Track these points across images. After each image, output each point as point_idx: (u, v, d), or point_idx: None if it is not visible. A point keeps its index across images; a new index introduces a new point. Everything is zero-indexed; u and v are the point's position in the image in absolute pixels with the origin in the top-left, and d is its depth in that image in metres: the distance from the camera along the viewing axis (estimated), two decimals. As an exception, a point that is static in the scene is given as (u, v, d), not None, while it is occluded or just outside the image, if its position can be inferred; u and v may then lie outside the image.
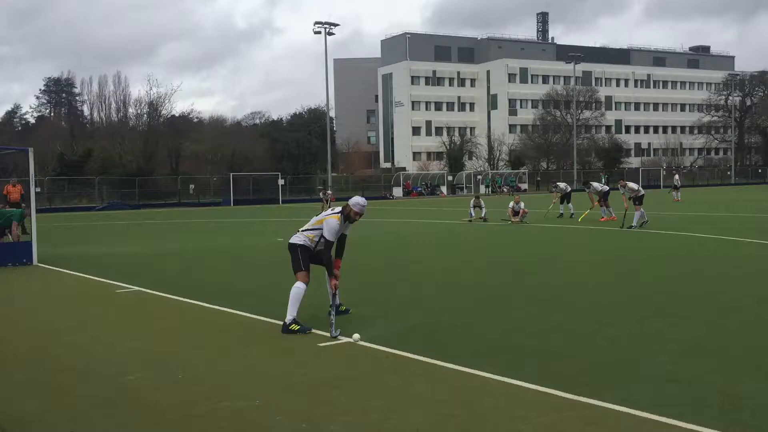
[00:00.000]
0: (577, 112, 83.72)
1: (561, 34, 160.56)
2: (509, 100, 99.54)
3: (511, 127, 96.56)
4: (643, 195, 19.71)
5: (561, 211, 25.32)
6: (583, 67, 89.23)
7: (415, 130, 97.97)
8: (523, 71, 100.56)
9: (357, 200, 7.47)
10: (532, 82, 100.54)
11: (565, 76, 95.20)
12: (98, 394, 5.25)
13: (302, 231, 7.65)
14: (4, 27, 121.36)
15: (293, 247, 7.60)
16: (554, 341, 6.59)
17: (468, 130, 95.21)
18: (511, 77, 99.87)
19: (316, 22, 55.57)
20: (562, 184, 26.55)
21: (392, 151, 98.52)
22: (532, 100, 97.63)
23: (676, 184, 40.31)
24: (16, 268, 13.61)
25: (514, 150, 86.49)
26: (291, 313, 7.22)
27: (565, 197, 25.40)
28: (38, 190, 33.59)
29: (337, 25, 56.40)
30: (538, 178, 73.14)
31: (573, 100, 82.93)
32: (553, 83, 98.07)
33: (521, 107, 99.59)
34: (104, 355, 6.50)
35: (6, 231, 15.33)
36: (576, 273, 11.45)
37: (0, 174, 36.92)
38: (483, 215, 24.26)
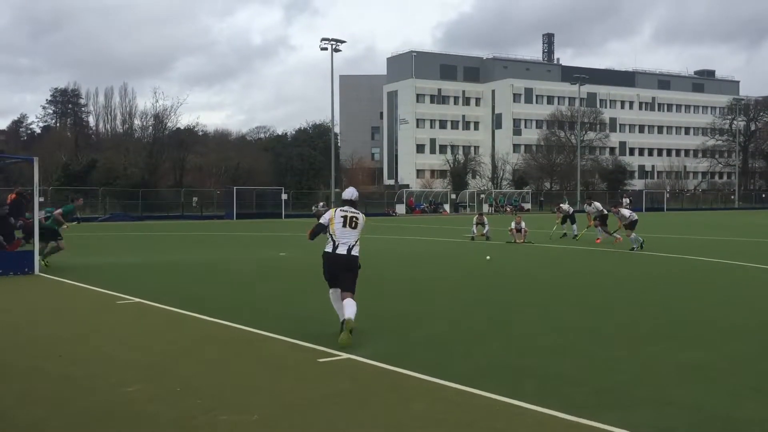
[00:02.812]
0: (581, 134, 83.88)
1: (570, 57, 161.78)
2: (514, 120, 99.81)
3: (515, 147, 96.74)
4: (636, 221, 19.76)
5: (564, 232, 25.37)
6: (587, 88, 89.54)
7: (420, 148, 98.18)
8: (528, 91, 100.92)
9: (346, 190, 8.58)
10: (536, 103, 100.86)
11: (569, 97, 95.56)
12: (98, 405, 5.24)
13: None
14: (24, 39, 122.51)
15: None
16: (554, 362, 6.56)
17: (472, 148, 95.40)
18: (516, 97, 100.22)
19: (323, 39, 55.99)
20: (565, 206, 26.62)
21: (396, 168, 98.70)
22: (537, 120, 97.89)
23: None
24: (18, 277, 13.61)
25: (517, 169, 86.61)
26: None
27: (569, 218, 25.50)
28: (42, 199, 33.66)
29: (344, 41, 56.80)
30: (542, 198, 73.16)
31: (577, 121, 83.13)
32: (558, 104, 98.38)
33: (525, 127, 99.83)
34: (104, 366, 6.48)
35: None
36: (576, 294, 11.42)
37: (4, 183, 37.06)
38: (485, 232, 24.24)
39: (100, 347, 7.35)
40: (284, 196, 52.82)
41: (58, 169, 56.17)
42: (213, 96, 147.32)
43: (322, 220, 8.19)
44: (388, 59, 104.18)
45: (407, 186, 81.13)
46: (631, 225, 19.52)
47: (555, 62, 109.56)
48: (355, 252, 8.01)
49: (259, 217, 50.18)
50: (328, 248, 8.07)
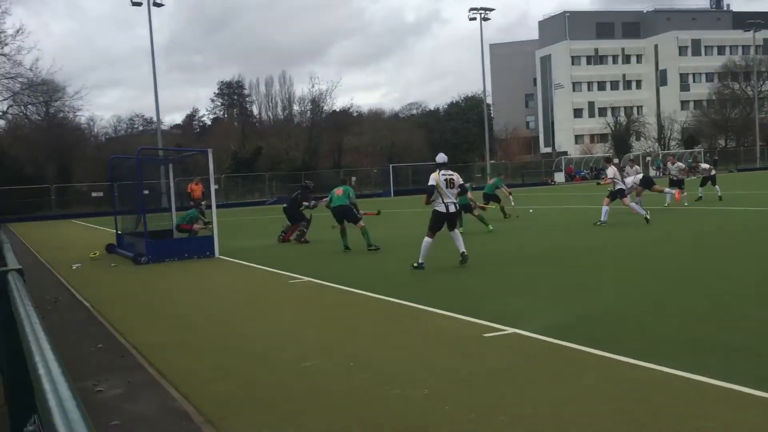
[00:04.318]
0: (758, 84, 76.76)
1: (742, 2, 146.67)
2: (680, 75, 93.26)
3: (683, 104, 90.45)
4: (621, 189, 17.55)
5: (701, 194, 23.64)
6: (763, 34, 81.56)
7: (577, 112, 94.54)
8: (696, 43, 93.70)
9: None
10: (705, 54, 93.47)
11: (743, 46, 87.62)
12: (278, 380, 5.60)
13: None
14: (197, 38, 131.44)
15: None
16: (737, 334, 6.12)
17: (635, 109, 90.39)
18: (682, 50, 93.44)
19: (471, 9, 55.24)
20: (705, 165, 25.10)
21: (552, 135, 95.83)
22: (707, 74, 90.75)
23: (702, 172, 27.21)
24: (201, 260, 14.79)
25: (687, 128, 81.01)
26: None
27: (709, 179, 23.93)
28: (216, 187, 36.27)
29: (492, 9, 55.76)
30: (716, 158, 68.01)
31: (753, 71, 76.16)
32: (730, 54, 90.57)
33: (694, 82, 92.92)
34: (282, 342, 6.91)
35: (192, 227, 16.87)
36: (759, 260, 10.55)
37: (182, 173, 40.21)
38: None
39: (276, 324, 7.84)
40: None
41: (228, 157, 60.02)
42: (368, 76, 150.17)
43: (430, 182, 10.72)
44: (539, 23, 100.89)
45: (565, 153, 78.58)
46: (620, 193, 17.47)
47: (725, 9, 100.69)
48: (457, 206, 10.99)
49: (415, 192, 50.77)
50: (441, 208, 10.71)
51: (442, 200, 10.65)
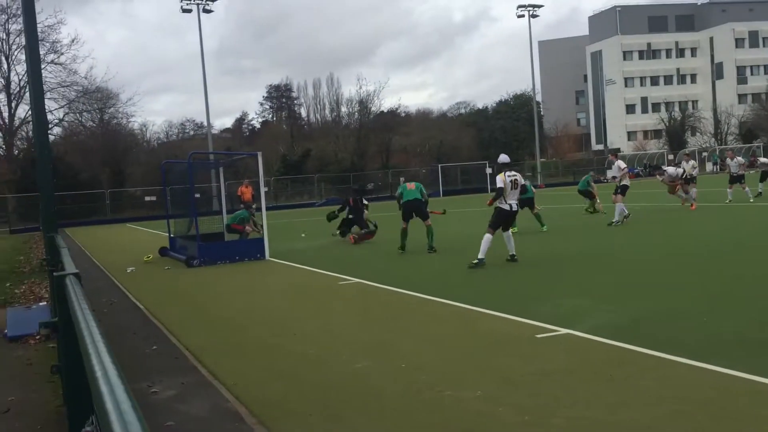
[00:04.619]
0: (820, 75, 73.88)
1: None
2: (737, 68, 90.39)
3: (741, 97, 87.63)
4: (626, 186, 17.53)
5: (760, 190, 22.94)
6: (825, 23, 78.55)
7: (629, 108, 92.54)
8: (753, 35, 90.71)
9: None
10: (764, 46, 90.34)
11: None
12: (331, 381, 5.61)
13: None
14: (246, 43, 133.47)
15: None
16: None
17: (690, 103, 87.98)
18: (739, 42, 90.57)
19: (519, 6, 54.69)
20: (764, 159, 24.40)
21: (604, 131, 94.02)
22: (765, 66, 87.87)
23: (761, 167, 24.68)
24: (252, 262, 14.96)
25: (744, 122, 78.55)
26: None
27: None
28: (266, 189, 36.65)
29: (540, 6, 55.13)
30: (775, 152, 65.78)
31: (815, 62, 73.26)
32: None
33: (752, 74, 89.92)
34: (333, 343, 6.92)
35: (244, 228, 17.09)
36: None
37: (233, 176, 40.81)
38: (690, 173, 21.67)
39: (328, 325, 7.86)
40: (488, 170, 52.64)
41: (277, 160, 60.65)
42: (416, 76, 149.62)
43: (499, 185, 11.09)
44: (590, 18, 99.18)
45: (618, 150, 77.09)
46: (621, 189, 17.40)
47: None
48: (519, 205, 11.54)
49: (464, 192, 50.55)
50: (505, 207, 11.10)
51: (506, 200, 11.12)
